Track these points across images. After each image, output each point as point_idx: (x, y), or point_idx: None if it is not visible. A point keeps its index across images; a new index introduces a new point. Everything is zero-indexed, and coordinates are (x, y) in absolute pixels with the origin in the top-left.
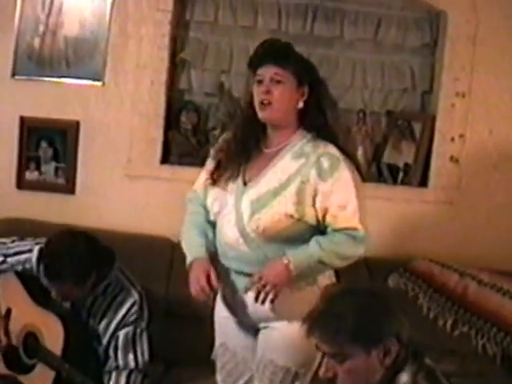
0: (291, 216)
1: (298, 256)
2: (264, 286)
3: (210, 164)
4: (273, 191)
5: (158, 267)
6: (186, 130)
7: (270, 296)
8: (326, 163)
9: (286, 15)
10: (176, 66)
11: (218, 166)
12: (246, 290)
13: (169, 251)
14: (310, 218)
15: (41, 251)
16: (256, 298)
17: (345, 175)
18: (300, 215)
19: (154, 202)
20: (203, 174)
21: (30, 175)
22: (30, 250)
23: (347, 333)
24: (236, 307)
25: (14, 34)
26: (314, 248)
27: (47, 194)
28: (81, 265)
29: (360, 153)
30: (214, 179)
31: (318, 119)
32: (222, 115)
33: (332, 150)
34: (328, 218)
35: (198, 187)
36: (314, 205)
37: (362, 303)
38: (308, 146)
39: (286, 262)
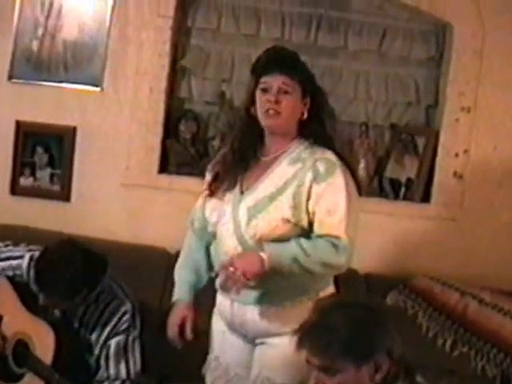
0: (288, 221)
1: (276, 253)
2: (233, 273)
3: (207, 177)
4: (269, 196)
5: (154, 278)
6: (184, 139)
7: (238, 285)
8: (322, 167)
9: (289, 24)
10: (176, 73)
11: (216, 178)
12: (216, 274)
13: (165, 262)
14: (306, 223)
15: (31, 258)
16: (223, 286)
17: (338, 181)
18: (296, 220)
19: (151, 211)
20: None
21: (25, 181)
22: (22, 257)
23: (339, 346)
24: (233, 319)
25: (12, 35)
26: (295, 249)
27: (42, 201)
28: (73, 283)
29: (362, 166)
30: (212, 190)
31: (318, 129)
32: (222, 125)
33: (330, 155)
34: (315, 223)
35: (197, 205)
36: (308, 209)
37: (355, 317)
38: (305, 152)
39: (262, 256)
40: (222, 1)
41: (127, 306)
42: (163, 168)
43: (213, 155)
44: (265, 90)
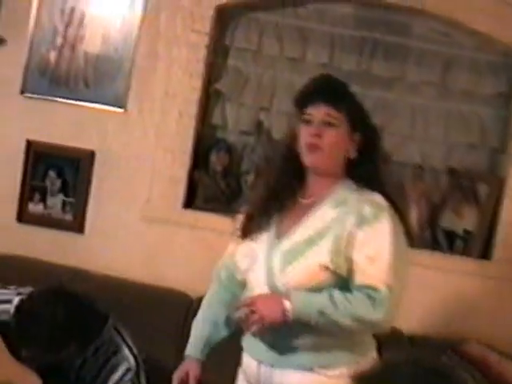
0: (326, 268)
1: (302, 304)
2: (252, 313)
3: (240, 218)
4: (308, 240)
5: (171, 326)
6: (215, 171)
7: (254, 327)
8: (367, 211)
9: (339, 48)
10: (209, 97)
11: (248, 219)
12: (235, 309)
13: (185, 308)
14: (345, 271)
15: (21, 303)
16: (242, 322)
17: (384, 227)
18: (335, 267)
19: (172, 250)
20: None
21: (34, 208)
22: (10, 301)
23: None
24: (259, 382)
25: (27, 44)
26: (324, 301)
27: (52, 231)
28: (52, 337)
29: (413, 214)
30: (244, 232)
31: (370, 171)
32: (257, 158)
33: (378, 198)
34: (355, 272)
35: (228, 251)
36: (347, 256)
37: (420, 378)
38: (351, 194)
39: (286, 306)
40: (264, 18)
41: (130, 363)
42: (189, 202)
43: (246, 191)
44: (307, 122)
